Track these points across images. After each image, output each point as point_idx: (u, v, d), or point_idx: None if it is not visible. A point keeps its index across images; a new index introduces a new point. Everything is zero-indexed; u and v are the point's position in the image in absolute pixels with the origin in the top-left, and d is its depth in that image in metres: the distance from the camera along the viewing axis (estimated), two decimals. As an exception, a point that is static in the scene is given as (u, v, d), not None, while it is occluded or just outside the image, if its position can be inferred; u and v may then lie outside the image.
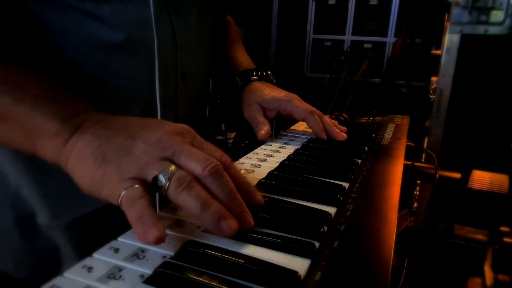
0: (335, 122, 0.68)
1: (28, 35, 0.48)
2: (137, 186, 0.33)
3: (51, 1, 0.47)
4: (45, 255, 0.56)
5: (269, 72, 0.75)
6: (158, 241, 0.30)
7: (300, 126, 0.76)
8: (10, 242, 0.56)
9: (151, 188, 0.33)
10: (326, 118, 0.68)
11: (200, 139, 0.39)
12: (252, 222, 0.35)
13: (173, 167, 0.34)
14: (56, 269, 0.58)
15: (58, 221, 0.54)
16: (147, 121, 0.38)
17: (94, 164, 0.34)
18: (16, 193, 0.54)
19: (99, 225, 0.56)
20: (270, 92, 0.69)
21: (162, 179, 0.33)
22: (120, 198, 0.32)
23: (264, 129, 0.65)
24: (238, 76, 0.73)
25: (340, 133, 0.66)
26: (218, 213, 0.32)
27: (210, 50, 0.70)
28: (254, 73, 0.72)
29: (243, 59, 0.77)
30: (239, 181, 0.37)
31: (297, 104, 0.66)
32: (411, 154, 0.70)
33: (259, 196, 0.38)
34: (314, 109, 0.66)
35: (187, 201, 0.33)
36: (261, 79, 0.72)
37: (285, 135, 0.70)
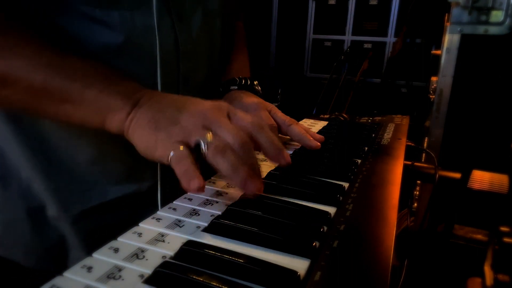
0: (307, 128, 0.63)
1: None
2: (182, 148, 0.40)
3: (64, 8, 0.49)
4: (53, 246, 0.59)
5: (255, 82, 0.72)
6: (199, 189, 0.37)
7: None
8: (21, 233, 0.58)
9: (194, 151, 0.41)
10: (297, 126, 0.62)
11: (234, 111, 0.45)
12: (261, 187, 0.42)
13: (210, 134, 0.41)
14: (62, 260, 0.62)
15: (66, 213, 0.57)
16: (191, 98, 0.46)
17: (149, 131, 0.42)
18: (28, 186, 0.57)
19: (105, 218, 0.59)
20: (241, 100, 0.65)
21: (202, 144, 0.40)
22: (169, 158, 0.40)
23: None
24: (222, 84, 0.71)
25: (311, 140, 0.60)
26: (247, 175, 0.39)
27: (216, 54, 0.70)
28: (237, 82, 0.70)
29: (236, 68, 0.75)
30: (272, 138, 0.45)
31: (260, 115, 0.61)
32: (411, 154, 0.70)
33: (287, 155, 0.46)
34: (275, 125, 0.61)
35: (222, 163, 0.39)
36: (241, 88, 0.70)
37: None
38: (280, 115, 0.63)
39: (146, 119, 0.43)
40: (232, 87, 0.70)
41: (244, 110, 0.63)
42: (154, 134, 0.42)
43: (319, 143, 0.61)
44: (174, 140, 0.41)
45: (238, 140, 0.41)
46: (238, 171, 0.39)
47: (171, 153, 0.40)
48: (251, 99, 0.65)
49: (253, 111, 0.62)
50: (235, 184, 0.40)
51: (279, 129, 0.62)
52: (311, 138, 0.61)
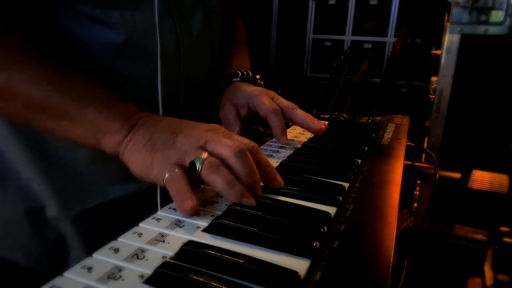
0: (310, 115, 0.63)
1: (47, 41, 0.50)
2: (177, 170, 0.40)
3: (64, 8, 0.49)
4: (53, 246, 0.59)
5: (257, 76, 0.72)
6: (192, 210, 0.37)
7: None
8: (20, 233, 0.58)
9: (189, 171, 0.41)
10: (300, 111, 0.63)
11: (229, 133, 0.45)
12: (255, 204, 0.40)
13: (205, 154, 0.41)
14: (62, 260, 0.62)
15: (66, 213, 0.58)
16: (186, 121, 0.47)
17: (145, 153, 0.43)
18: (27, 186, 0.57)
19: (104, 218, 0.59)
20: (243, 89, 0.65)
21: (196, 163, 0.40)
22: (164, 179, 0.40)
23: (234, 132, 0.62)
24: (223, 79, 0.71)
25: (316, 123, 0.61)
26: (241, 192, 0.39)
27: (216, 53, 0.70)
28: (239, 75, 0.70)
29: (237, 63, 0.75)
30: (265, 164, 0.44)
31: (263, 100, 0.61)
32: (411, 154, 0.70)
33: (280, 179, 0.45)
34: (278, 108, 0.61)
35: (216, 181, 0.39)
36: (243, 80, 0.69)
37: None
38: (283, 100, 0.63)
39: (143, 141, 0.44)
40: (234, 79, 0.69)
41: (247, 97, 0.63)
42: (150, 156, 0.42)
43: (323, 126, 0.61)
44: (169, 161, 0.41)
45: (233, 149, 0.41)
46: (233, 188, 0.39)
47: (166, 174, 0.40)
48: (254, 87, 0.65)
49: (255, 97, 0.62)
50: (230, 201, 0.40)
51: (283, 113, 0.62)
52: (315, 121, 0.61)
